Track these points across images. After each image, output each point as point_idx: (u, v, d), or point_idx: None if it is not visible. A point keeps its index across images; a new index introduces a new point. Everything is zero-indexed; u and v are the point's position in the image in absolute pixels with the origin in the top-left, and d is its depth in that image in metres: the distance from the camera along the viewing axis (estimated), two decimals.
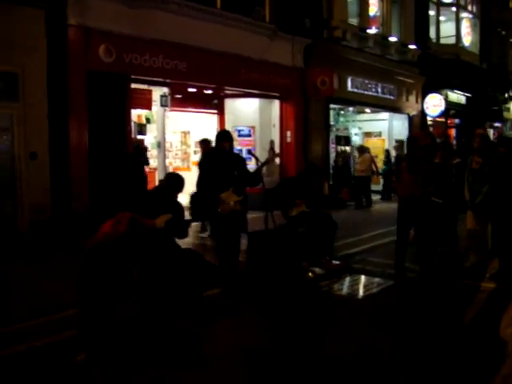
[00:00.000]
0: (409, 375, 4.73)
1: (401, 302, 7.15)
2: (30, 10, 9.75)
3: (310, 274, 7.96)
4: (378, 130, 21.82)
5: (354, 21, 17.98)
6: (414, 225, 7.97)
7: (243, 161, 7.63)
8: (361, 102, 19.07)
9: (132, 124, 12.46)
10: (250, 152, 12.88)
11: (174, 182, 6.47)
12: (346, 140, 20.09)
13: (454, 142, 23.89)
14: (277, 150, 15.71)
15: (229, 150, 7.36)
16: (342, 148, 19.44)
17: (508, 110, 29.30)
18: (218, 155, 7.31)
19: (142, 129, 13.78)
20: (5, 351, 5.13)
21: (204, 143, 11.22)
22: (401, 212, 8.06)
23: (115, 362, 4.82)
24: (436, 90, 21.70)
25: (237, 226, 7.18)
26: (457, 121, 25.23)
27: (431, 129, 21.85)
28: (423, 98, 21.77)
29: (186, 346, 5.23)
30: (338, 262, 8.71)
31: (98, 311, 4.90)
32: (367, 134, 22.08)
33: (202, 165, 8.23)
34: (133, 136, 12.52)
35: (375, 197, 18.58)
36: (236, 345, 5.43)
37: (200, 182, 7.43)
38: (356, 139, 21.67)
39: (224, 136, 7.45)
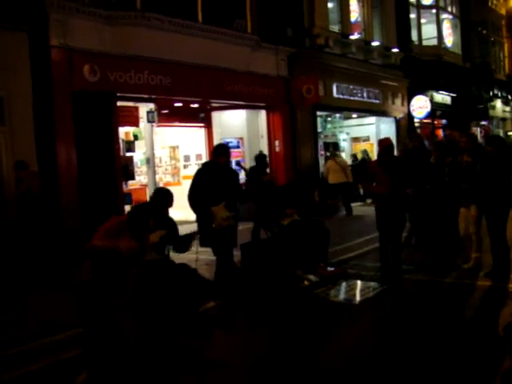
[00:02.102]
0: (408, 380, 4.73)
1: (397, 304, 7.16)
2: (12, 34, 9.75)
3: (306, 282, 7.96)
4: (365, 135, 21.89)
5: (335, 28, 18.11)
6: (391, 224, 8.16)
7: (237, 176, 7.60)
8: (347, 108, 19.13)
9: (120, 141, 12.44)
10: (238, 164, 12.87)
11: (163, 196, 6.46)
12: (335, 146, 20.13)
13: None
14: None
15: (224, 165, 7.32)
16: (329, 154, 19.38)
17: (493, 107, 29.51)
18: (213, 169, 7.24)
19: (130, 146, 13.75)
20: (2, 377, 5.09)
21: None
22: (379, 214, 8.26)
23: (117, 379, 4.83)
24: (421, 91, 21.82)
25: (229, 239, 7.17)
26: (443, 121, 25.36)
27: (418, 130, 21.94)
28: (409, 100, 21.87)
29: (184, 361, 5.24)
30: (332, 269, 8.71)
31: (99, 329, 4.92)
32: (355, 139, 22.16)
33: None
34: (121, 153, 12.50)
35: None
36: (233, 356, 5.43)
37: (192, 195, 7.34)
38: (344, 145, 21.73)
39: (220, 150, 7.36)
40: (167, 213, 6.47)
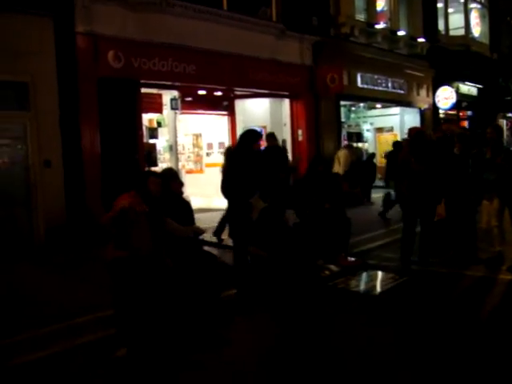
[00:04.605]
0: (429, 373, 4.72)
1: (417, 296, 7.12)
2: (39, 19, 9.82)
3: (326, 272, 7.96)
4: (389, 125, 21.75)
5: (361, 16, 17.97)
6: (421, 216, 8.13)
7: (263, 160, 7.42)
8: (371, 98, 19.02)
9: (143, 128, 12.51)
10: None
11: (167, 173, 6.45)
12: (358, 136, 20.00)
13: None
14: (289, 148, 15.67)
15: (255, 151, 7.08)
16: (354, 144, 19.25)
17: None
18: (252, 157, 6.92)
19: (153, 133, 13.82)
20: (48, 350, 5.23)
21: None
22: (409, 204, 8.19)
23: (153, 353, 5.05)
24: (447, 82, 21.55)
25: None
26: (469, 113, 25.03)
27: (443, 122, 21.68)
28: (434, 91, 21.62)
29: (203, 340, 5.33)
30: (353, 259, 8.70)
31: (132, 308, 5.16)
32: (379, 130, 22.03)
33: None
34: (145, 140, 12.57)
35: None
36: (252, 344, 5.47)
37: (232, 187, 7.05)
38: (368, 135, 21.60)
39: (256, 136, 7.12)
40: (180, 192, 6.46)
